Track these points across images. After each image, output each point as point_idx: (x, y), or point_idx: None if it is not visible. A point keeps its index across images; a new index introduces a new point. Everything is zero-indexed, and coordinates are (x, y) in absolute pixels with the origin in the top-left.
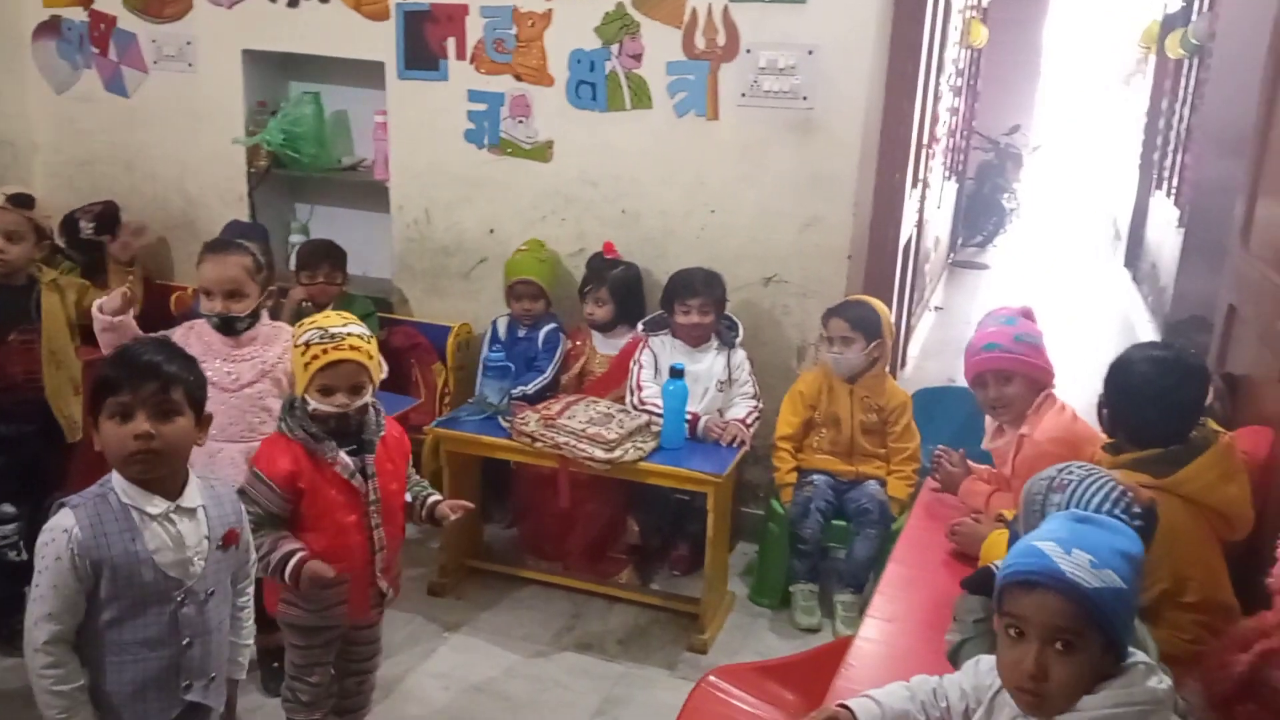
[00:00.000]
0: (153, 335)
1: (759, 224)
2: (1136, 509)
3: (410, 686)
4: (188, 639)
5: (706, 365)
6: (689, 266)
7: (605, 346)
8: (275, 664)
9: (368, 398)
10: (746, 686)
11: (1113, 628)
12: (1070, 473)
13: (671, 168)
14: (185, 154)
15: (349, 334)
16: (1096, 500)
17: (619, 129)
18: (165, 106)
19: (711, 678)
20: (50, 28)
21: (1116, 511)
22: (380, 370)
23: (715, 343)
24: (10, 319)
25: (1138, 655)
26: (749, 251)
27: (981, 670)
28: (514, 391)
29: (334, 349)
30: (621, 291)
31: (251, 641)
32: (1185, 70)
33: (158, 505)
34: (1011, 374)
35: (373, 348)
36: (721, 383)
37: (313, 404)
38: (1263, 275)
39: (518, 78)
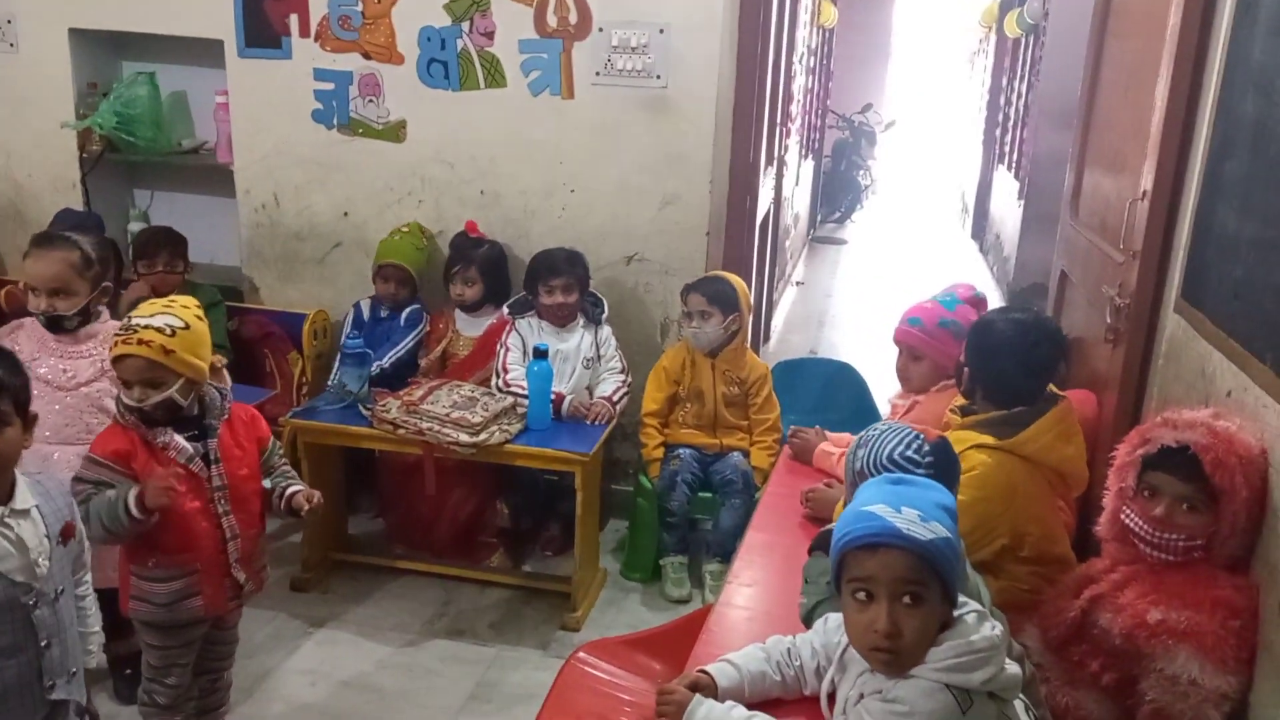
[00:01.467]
0: None
1: (619, 202)
2: (927, 448)
3: (274, 685)
4: (45, 640)
5: (574, 344)
6: (551, 247)
7: (469, 328)
8: (128, 670)
9: (169, 393)
10: (616, 659)
11: (949, 576)
12: (873, 429)
13: (529, 147)
14: (10, 139)
15: (147, 326)
16: (891, 445)
17: (474, 108)
18: None
19: (581, 653)
20: None
21: (909, 453)
22: (202, 359)
23: (581, 320)
24: None
25: (970, 604)
26: (610, 230)
27: (830, 628)
28: (371, 370)
29: (123, 342)
30: (490, 271)
31: (99, 629)
32: (1023, 49)
33: None
34: (922, 355)
35: (180, 341)
36: (589, 359)
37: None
38: (1089, 242)
39: (366, 56)
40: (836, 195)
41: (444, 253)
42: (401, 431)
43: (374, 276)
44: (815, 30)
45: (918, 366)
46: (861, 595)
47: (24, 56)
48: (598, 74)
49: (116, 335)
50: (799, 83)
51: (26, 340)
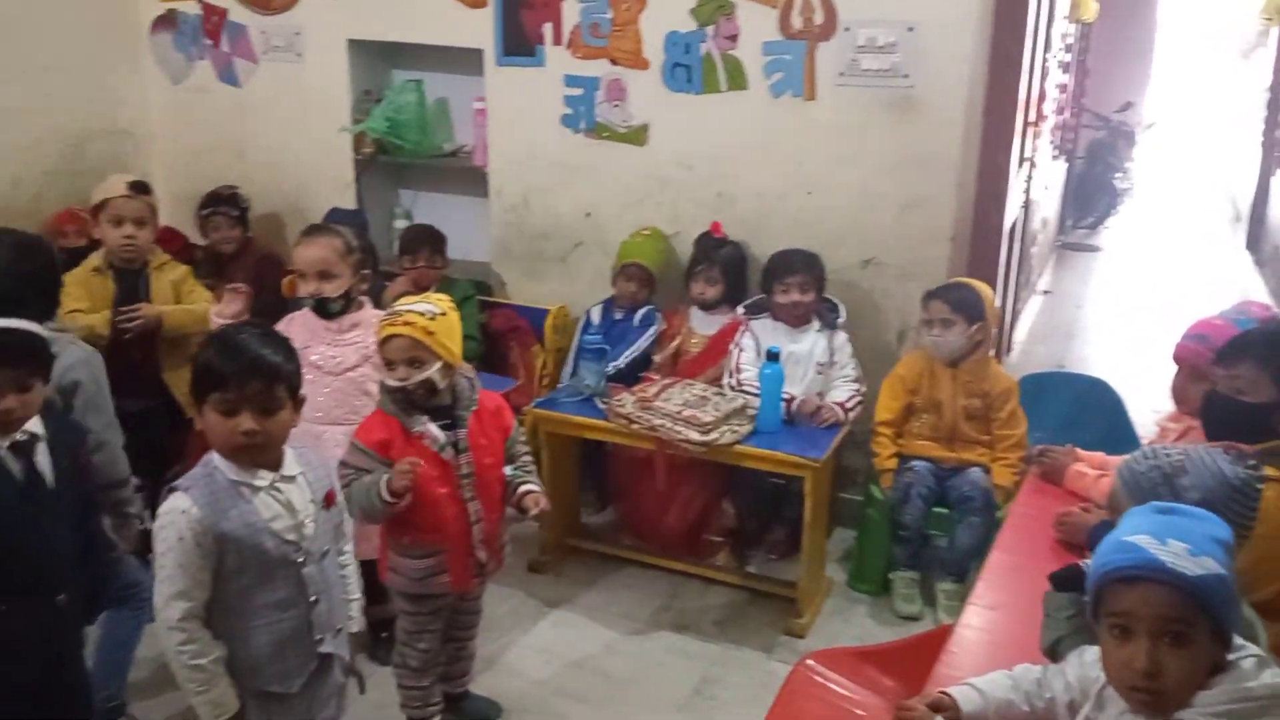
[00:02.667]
0: (254, 323)
1: (858, 205)
2: (1249, 461)
3: (512, 660)
4: (314, 596)
5: (807, 347)
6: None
7: (704, 326)
8: (384, 634)
9: (429, 373)
10: (845, 670)
11: (1220, 615)
12: (1170, 456)
13: (768, 150)
14: (295, 142)
15: (410, 310)
16: (1223, 464)
17: (715, 111)
18: (275, 96)
19: (810, 661)
20: (167, 21)
21: (1240, 470)
22: (456, 346)
23: (816, 324)
24: (128, 301)
25: (1248, 648)
26: (847, 233)
27: (1087, 662)
28: (607, 368)
29: (388, 325)
30: (732, 271)
31: (360, 595)
32: None
33: (263, 478)
34: (1205, 375)
35: (439, 325)
36: (822, 365)
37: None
38: None
39: (613, 61)
40: (1090, 199)
41: (678, 254)
42: (635, 426)
43: (616, 276)
44: (1073, 25)
45: (1198, 388)
46: (1118, 631)
47: (309, 66)
48: (841, 74)
49: (383, 320)
50: (1053, 80)
51: (300, 330)
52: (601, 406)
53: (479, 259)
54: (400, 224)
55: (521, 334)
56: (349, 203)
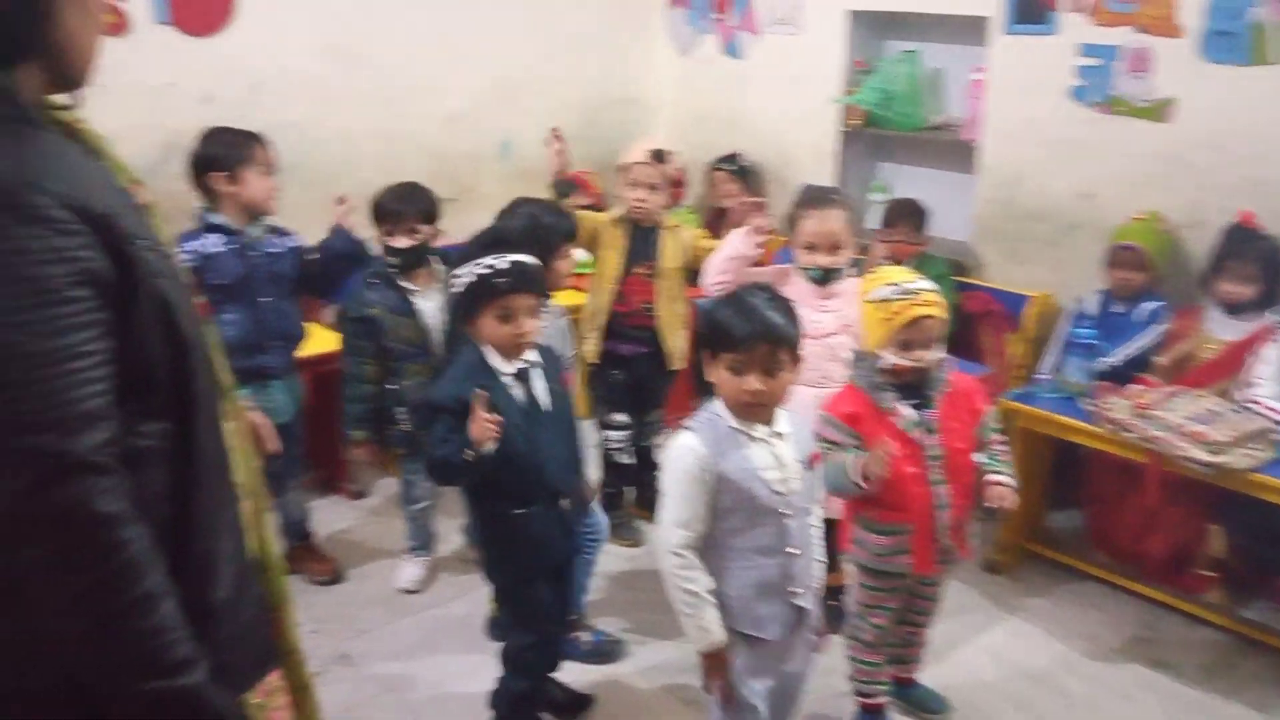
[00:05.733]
0: (763, 286)
1: None
2: None
3: (960, 656)
4: (794, 549)
5: None
6: None
7: (1223, 330)
8: (832, 602)
9: (940, 353)
10: None
11: None
12: None
13: None
14: (783, 113)
15: (928, 290)
16: None
17: (1260, 86)
18: (770, 67)
19: None
20: None
21: None
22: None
23: None
24: (637, 256)
25: None
26: None
27: None
28: (1098, 366)
29: (916, 305)
30: (1270, 270)
31: (822, 557)
32: None
33: (760, 430)
34: None
35: (944, 305)
36: None
37: (886, 358)
38: None
39: (1141, 29)
40: None
41: (1186, 246)
42: (1128, 435)
43: (1107, 262)
44: None
45: None
46: None
47: (806, 37)
48: None
49: (905, 299)
50: None
51: (792, 291)
52: (1087, 408)
53: (956, 237)
54: (875, 197)
55: (996, 319)
56: (825, 175)
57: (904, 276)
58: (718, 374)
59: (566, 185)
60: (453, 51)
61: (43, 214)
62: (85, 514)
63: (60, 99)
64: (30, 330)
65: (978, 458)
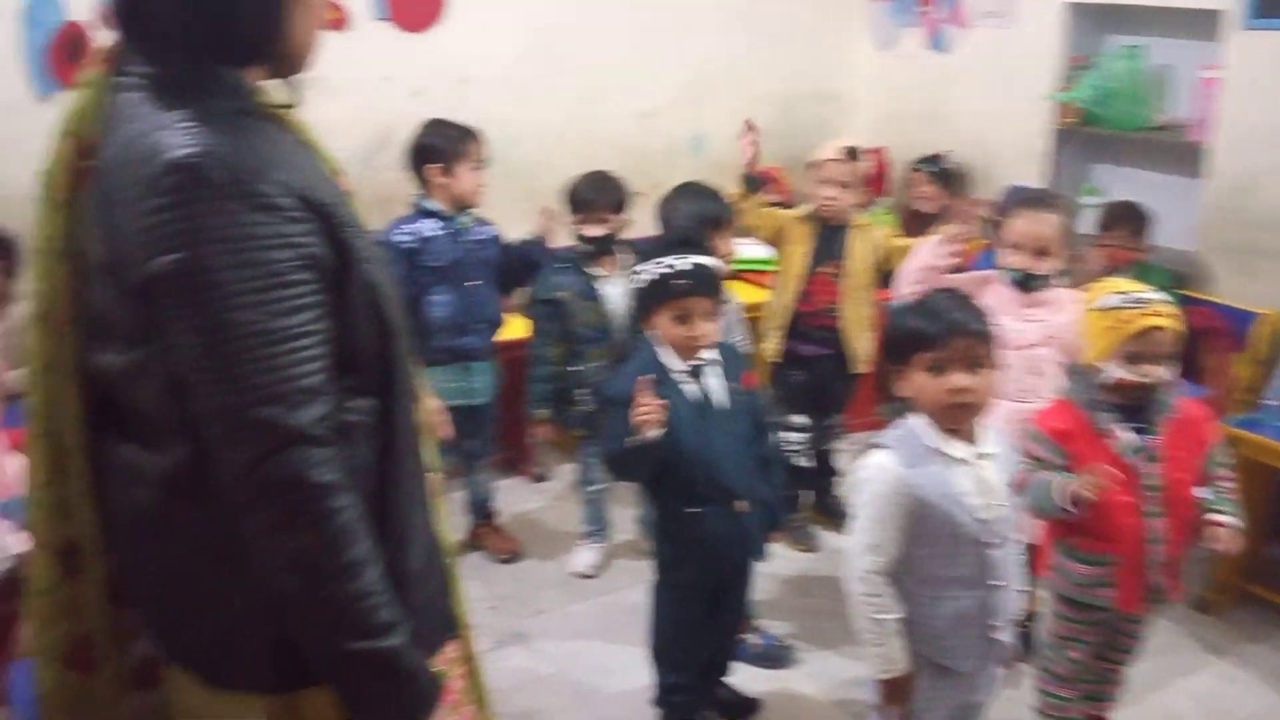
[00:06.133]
0: (948, 289)
1: None
2: None
3: (1162, 700)
4: (997, 581)
5: None
6: None
7: None
8: (1022, 628)
9: (1170, 374)
10: None
11: None
12: None
13: None
14: (991, 110)
15: (1154, 300)
16: None
17: None
18: (979, 62)
19: None
20: None
21: None
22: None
23: None
24: (823, 254)
25: None
26: None
27: None
28: None
29: (1149, 314)
30: None
31: (1023, 587)
32: None
33: (960, 450)
34: None
35: (1179, 318)
36: None
37: (1111, 372)
38: None
39: None
40: None
41: None
42: None
43: None
44: None
45: None
46: None
47: (1019, 30)
48: None
49: (1136, 308)
50: None
51: (992, 296)
52: None
53: (1176, 246)
54: (1088, 200)
55: (1219, 336)
56: (1033, 176)
57: (1135, 286)
58: (913, 382)
59: (756, 180)
60: (650, 47)
61: (271, 201)
62: (305, 483)
63: (277, 89)
64: (262, 310)
65: (1200, 493)
